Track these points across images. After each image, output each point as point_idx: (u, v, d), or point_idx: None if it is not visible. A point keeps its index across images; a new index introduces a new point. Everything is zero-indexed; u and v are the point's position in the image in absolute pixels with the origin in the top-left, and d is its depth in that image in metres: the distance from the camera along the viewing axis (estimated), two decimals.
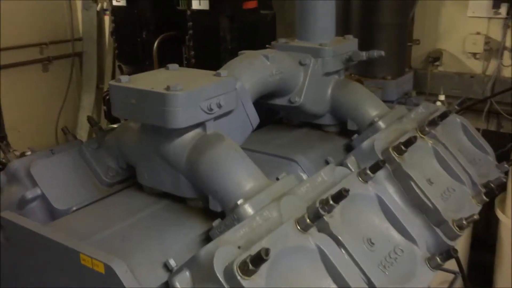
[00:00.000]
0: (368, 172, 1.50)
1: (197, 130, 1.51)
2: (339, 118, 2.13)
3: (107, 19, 6.07)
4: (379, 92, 2.68)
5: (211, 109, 1.48)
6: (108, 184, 1.73)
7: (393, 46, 2.91)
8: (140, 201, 1.61)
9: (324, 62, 2.03)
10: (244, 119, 1.71)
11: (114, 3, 3.98)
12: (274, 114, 2.33)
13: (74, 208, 1.63)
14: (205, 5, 3.55)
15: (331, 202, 1.29)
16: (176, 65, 1.69)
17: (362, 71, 2.75)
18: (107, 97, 4.15)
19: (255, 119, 1.75)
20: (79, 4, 6.27)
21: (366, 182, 1.52)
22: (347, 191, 1.29)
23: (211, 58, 3.71)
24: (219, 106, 1.50)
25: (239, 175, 1.40)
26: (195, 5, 3.61)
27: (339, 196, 1.29)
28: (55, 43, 6.15)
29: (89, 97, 6.41)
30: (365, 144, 1.76)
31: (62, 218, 1.56)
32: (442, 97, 3.51)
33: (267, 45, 2.32)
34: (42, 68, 6.17)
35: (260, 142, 2.02)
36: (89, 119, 1.98)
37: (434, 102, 3.80)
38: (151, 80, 1.53)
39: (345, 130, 2.14)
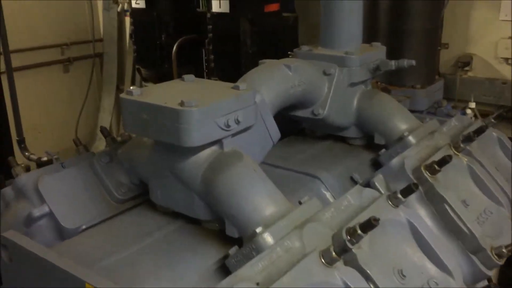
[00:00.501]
0: (399, 196, 1.37)
1: (214, 148, 1.40)
2: (365, 131, 2.00)
3: (127, 20, 6.01)
4: (407, 101, 2.54)
5: (228, 126, 1.37)
6: (120, 201, 1.64)
7: (422, 53, 2.75)
8: (152, 221, 1.52)
9: (350, 72, 1.90)
10: (264, 134, 1.59)
11: (134, 5, 3.92)
12: (296, 125, 2.21)
13: (84, 227, 1.54)
14: (225, 8, 3.44)
15: (359, 232, 1.17)
16: (192, 76, 1.58)
17: (389, 79, 2.60)
18: None
19: (276, 134, 1.63)
20: (100, 5, 6.24)
21: (397, 206, 1.39)
22: (377, 220, 1.16)
23: (231, 62, 3.61)
24: (237, 122, 1.39)
25: (258, 199, 1.29)
26: (215, 8, 3.50)
27: (368, 225, 1.17)
28: (76, 43, 6.13)
29: (109, 98, 6.38)
30: (395, 162, 1.63)
31: (69, 240, 1.47)
32: (472, 105, 3.34)
33: (289, 52, 2.21)
34: (63, 69, 6.16)
35: (280, 156, 1.90)
36: (102, 129, 1.90)
37: (463, 109, 3.63)
38: (164, 94, 1.43)
39: (371, 143, 2.01)
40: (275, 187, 1.36)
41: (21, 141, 3.62)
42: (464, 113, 3.35)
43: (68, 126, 6.28)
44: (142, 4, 3.85)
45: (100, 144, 6.45)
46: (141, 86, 4.21)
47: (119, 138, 3.72)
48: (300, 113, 1.90)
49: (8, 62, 3.34)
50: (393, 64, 1.93)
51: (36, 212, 1.52)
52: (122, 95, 1.43)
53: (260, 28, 3.51)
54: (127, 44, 6.05)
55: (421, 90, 2.71)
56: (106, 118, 6.43)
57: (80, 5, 6.13)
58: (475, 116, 3.41)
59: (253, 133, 1.52)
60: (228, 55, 3.63)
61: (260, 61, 1.84)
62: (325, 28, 2.01)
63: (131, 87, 1.43)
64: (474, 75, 4.03)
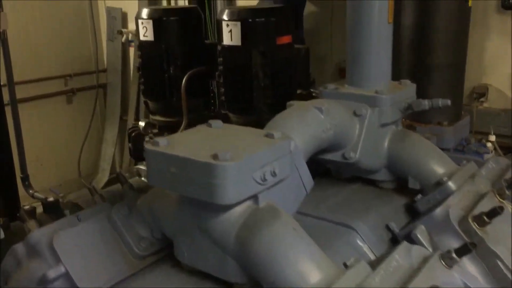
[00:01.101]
0: (454, 256, 1.25)
1: (248, 203, 1.28)
2: (397, 174, 1.89)
3: (132, 50, 5.97)
4: (434, 139, 2.43)
5: (265, 179, 1.25)
6: (141, 257, 1.51)
7: (448, 88, 2.66)
8: (178, 282, 1.38)
9: (382, 112, 1.80)
10: (297, 184, 1.48)
11: (142, 38, 3.81)
12: (320, 166, 2.09)
13: None
14: (237, 41, 3.35)
15: None
16: (219, 122, 1.47)
17: (414, 116, 2.51)
18: (133, 133, 3.96)
19: (309, 183, 1.52)
20: (104, 35, 6.19)
21: (451, 267, 1.27)
22: None
23: (243, 95, 3.49)
24: (274, 174, 1.28)
25: (301, 264, 1.16)
26: (226, 41, 3.41)
27: None
28: (80, 74, 6.07)
29: (112, 129, 6.29)
30: (438, 212, 1.51)
31: None
32: (492, 138, 3.23)
33: (311, 90, 2.11)
34: (66, 100, 6.08)
35: (309, 202, 1.77)
36: (119, 176, 1.78)
37: (479, 140, 3.52)
38: (193, 144, 1.32)
39: (402, 186, 1.90)
40: (318, 247, 1.23)
41: (25, 178, 3.51)
42: (484, 145, 3.24)
43: (70, 158, 6.17)
44: (150, 37, 3.75)
45: (103, 176, 6.33)
46: (147, 119, 4.11)
47: (127, 175, 3.59)
48: (330, 156, 1.79)
49: (13, 99, 3.24)
50: (426, 104, 1.83)
51: (52, 274, 1.38)
52: (147, 146, 1.31)
53: (272, 61, 3.41)
54: (131, 75, 5.99)
55: (449, 127, 2.61)
56: (109, 150, 6.32)
57: (84, 35, 6.09)
58: (495, 149, 3.30)
59: (287, 184, 1.41)
60: (239, 88, 3.52)
61: (288, 103, 1.73)
62: (352, 65, 1.91)
63: (158, 138, 1.31)
64: (489, 106, 3.94)
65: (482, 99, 3.78)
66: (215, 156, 1.19)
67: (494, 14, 3.82)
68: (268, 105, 3.36)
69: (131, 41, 5.94)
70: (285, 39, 3.46)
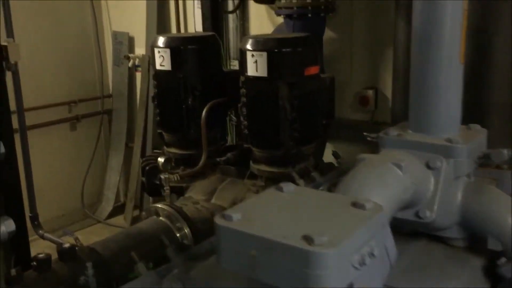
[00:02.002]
0: None
1: None
2: (472, 231, 1.69)
3: (138, 75, 5.79)
4: (493, 184, 2.24)
5: (363, 263, 1.05)
6: None
7: (506, 128, 2.49)
8: None
9: (457, 163, 1.61)
10: (382, 257, 1.27)
11: (158, 67, 3.64)
12: None
13: None
14: (262, 72, 3.17)
15: None
16: (291, 186, 1.27)
17: None
18: (147, 167, 3.75)
19: (394, 254, 1.31)
20: (109, 60, 6.01)
21: None
22: None
23: (268, 129, 3.31)
24: (372, 256, 1.07)
25: None
26: (250, 71, 3.23)
27: None
28: (84, 100, 5.87)
29: (117, 156, 6.07)
30: None
31: None
32: None
33: (365, 133, 1.92)
34: (70, 127, 5.86)
35: None
36: (169, 254, 1.53)
37: None
38: (272, 217, 1.11)
39: (474, 242, 1.70)
40: None
41: (35, 218, 3.27)
42: None
43: (73, 186, 5.93)
44: (167, 66, 3.57)
45: (107, 206, 6.09)
46: (162, 151, 3.91)
47: (143, 214, 3.35)
48: (400, 215, 1.59)
49: (24, 136, 3.03)
50: (506, 154, 1.64)
51: None
52: (218, 221, 1.10)
53: (300, 93, 3.23)
54: (138, 101, 5.80)
55: (509, 171, 2.43)
56: (113, 178, 6.09)
57: (89, 60, 5.90)
58: None
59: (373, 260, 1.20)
60: (264, 121, 3.33)
61: (359, 157, 1.54)
62: (418, 109, 1.73)
63: (230, 211, 1.11)
64: None
65: None
66: (308, 239, 0.99)
67: None
68: (295, 139, 3.18)
69: (138, 66, 5.77)
70: (313, 70, 3.28)
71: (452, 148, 1.61)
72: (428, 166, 1.59)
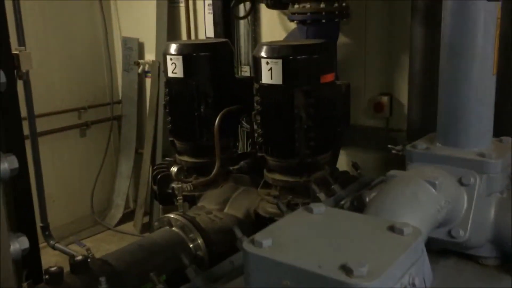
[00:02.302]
0: None
1: None
2: (503, 249, 1.61)
3: (148, 81, 5.75)
4: None
5: None
6: None
7: None
8: None
9: (491, 179, 1.53)
10: (421, 284, 1.20)
11: (170, 74, 3.59)
12: None
13: None
14: (277, 80, 3.10)
15: None
16: (322, 207, 1.20)
17: None
18: (159, 175, 3.69)
19: (429, 277, 1.24)
20: (119, 66, 5.98)
21: None
22: None
23: (283, 137, 3.24)
24: (413, 286, 1.00)
25: None
26: (265, 79, 3.17)
27: None
28: (94, 107, 5.83)
29: (127, 163, 6.03)
30: None
31: None
32: None
33: (389, 146, 1.85)
34: (80, 133, 5.82)
35: None
36: (189, 274, 1.47)
37: None
38: (305, 243, 1.04)
39: (506, 260, 1.62)
40: None
41: (46, 228, 3.22)
42: None
43: (83, 193, 5.90)
44: (179, 74, 3.52)
45: (117, 212, 6.05)
46: (173, 158, 3.85)
47: (156, 224, 3.28)
48: (431, 233, 1.51)
49: (35, 144, 2.98)
50: None
51: None
52: (247, 247, 1.04)
53: (316, 101, 3.17)
54: (148, 107, 5.76)
55: None
56: (123, 184, 6.05)
57: (99, 66, 5.87)
58: None
59: None
60: (279, 130, 3.27)
61: (389, 174, 1.46)
62: (448, 121, 1.65)
63: (259, 236, 1.04)
64: None
65: None
66: (346, 269, 0.92)
67: None
68: (310, 148, 3.11)
69: (148, 72, 5.74)
70: (329, 77, 3.22)
71: (485, 163, 1.53)
72: (460, 183, 1.51)
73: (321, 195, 2.03)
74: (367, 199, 1.71)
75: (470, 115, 1.61)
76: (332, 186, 2.08)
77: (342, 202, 1.85)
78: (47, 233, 3.25)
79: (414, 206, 1.30)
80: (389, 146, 1.80)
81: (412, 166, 1.56)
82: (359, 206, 1.74)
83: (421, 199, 1.32)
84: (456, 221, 1.48)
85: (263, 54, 3.09)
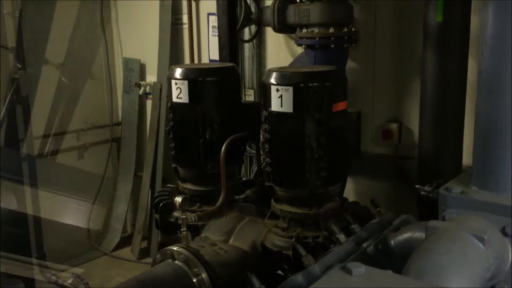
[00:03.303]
0: None
1: None
2: None
3: (149, 103, 5.64)
4: None
5: None
6: None
7: None
8: None
9: None
10: None
11: (174, 99, 3.47)
12: None
13: None
14: (288, 108, 2.98)
15: None
16: (360, 267, 1.07)
17: None
18: (161, 203, 3.55)
19: None
20: (120, 87, 5.87)
21: None
22: None
23: (293, 167, 3.11)
24: None
25: None
26: (275, 107, 3.04)
27: None
28: (93, 128, 5.71)
29: (126, 186, 5.87)
30: None
31: None
32: None
33: (417, 186, 1.72)
34: (78, 155, 5.68)
35: None
36: None
37: None
38: None
39: None
40: None
41: (42, 258, 3.05)
42: None
43: (80, 217, 5.73)
44: (185, 99, 3.40)
45: (114, 237, 5.88)
46: (175, 185, 3.72)
47: (158, 256, 3.13)
48: None
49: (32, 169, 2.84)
50: None
51: None
52: None
53: (327, 130, 3.04)
54: (148, 129, 5.63)
55: None
56: (121, 208, 5.89)
57: (99, 88, 5.76)
58: None
59: None
60: (289, 159, 3.13)
61: (428, 225, 1.33)
62: (485, 163, 1.53)
63: None
64: None
65: None
66: None
67: None
68: (321, 179, 2.98)
69: (149, 94, 5.63)
70: (341, 105, 3.10)
71: None
72: (504, 233, 1.38)
73: (341, 236, 1.90)
74: (392, 243, 1.59)
75: (510, 159, 1.49)
76: (352, 226, 1.95)
77: (365, 245, 1.71)
78: (43, 265, 3.09)
79: (463, 267, 1.16)
80: (417, 186, 1.67)
81: (448, 213, 1.43)
82: (384, 250, 1.61)
83: (470, 258, 1.19)
84: (501, 276, 1.35)
85: (272, 80, 2.97)
